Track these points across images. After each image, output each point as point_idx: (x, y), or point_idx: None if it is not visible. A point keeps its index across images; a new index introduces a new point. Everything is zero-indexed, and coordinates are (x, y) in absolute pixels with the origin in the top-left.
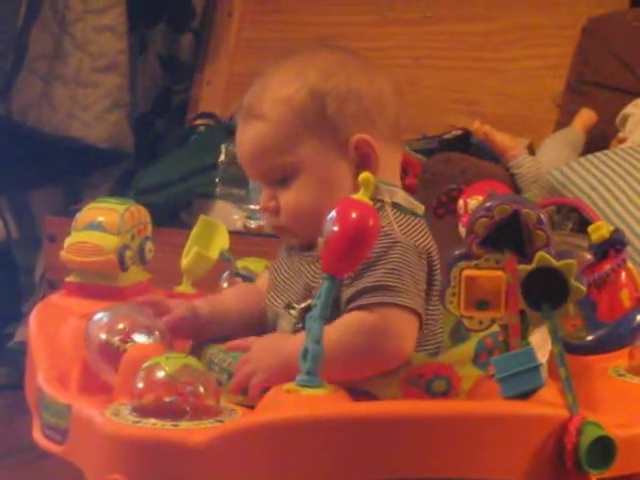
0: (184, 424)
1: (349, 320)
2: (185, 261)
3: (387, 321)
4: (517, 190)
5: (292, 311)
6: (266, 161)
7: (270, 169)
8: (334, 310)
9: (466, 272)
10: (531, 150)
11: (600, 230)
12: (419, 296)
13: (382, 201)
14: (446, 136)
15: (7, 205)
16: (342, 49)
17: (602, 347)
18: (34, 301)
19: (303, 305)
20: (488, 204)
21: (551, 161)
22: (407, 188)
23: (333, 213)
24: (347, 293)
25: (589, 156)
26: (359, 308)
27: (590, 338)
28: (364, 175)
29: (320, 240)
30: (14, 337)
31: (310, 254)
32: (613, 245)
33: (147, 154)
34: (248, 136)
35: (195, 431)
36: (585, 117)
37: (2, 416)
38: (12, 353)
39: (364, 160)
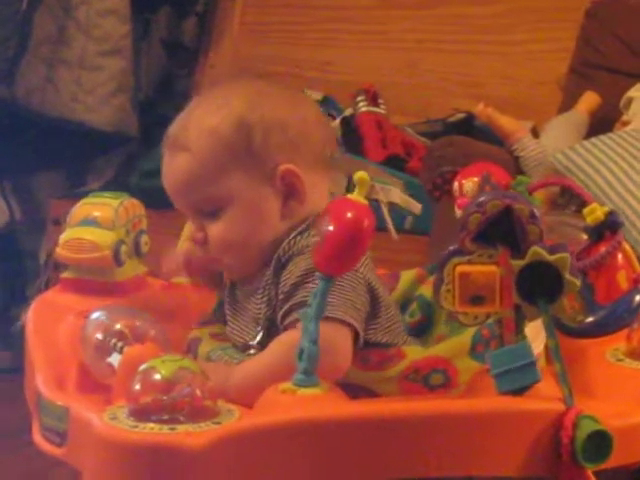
0: (181, 427)
1: (283, 340)
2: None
3: (321, 337)
4: (519, 173)
5: (251, 351)
6: (193, 193)
7: (197, 201)
8: (273, 328)
9: (460, 268)
10: (535, 133)
11: (595, 212)
12: (353, 308)
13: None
14: (450, 119)
15: (11, 189)
16: (264, 79)
17: (601, 329)
18: (39, 284)
19: (257, 340)
20: (480, 199)
21: (555, 144)
22: (411, 171)
23: (327, 213)
24: (283, 309)
25: (593, 139)
26: (293, 324)
27: (589, 320)
28: (359, 174)
29: (315, 241)
30: (19, 320)
31: (247, 288)
32: (609, 227)
33: (151, 138)
34: (174, 168)
35: (192, 434)
36: (589, 100)
37: (6, 399)
38: (16, 337)
39: (291, 190)
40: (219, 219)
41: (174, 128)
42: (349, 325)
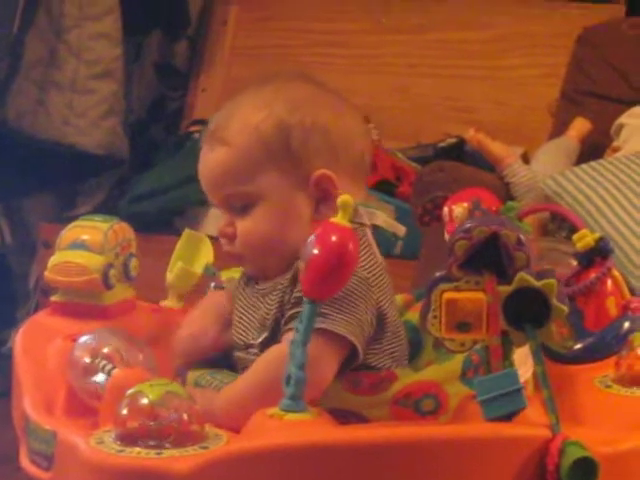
0: (168, 452)
1: (267, 357)
2: (170, 276)
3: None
4: (510, 199)
5: (251, 350)
6: (227, 187)
7: (230, 196)
8: (278, 330)
9: (446, 295)
10: (525, 159)
11: (585, 238)
12: (358, 326)
13: (362, 224)
14: (441, 144)
15: (2, 211)
16: (315, 82)
17: (589, 356)
18: (28, 307)
19: (260, 340)
20: (467, 226)
21: (545, 170)
22: (401, 196)
23: (312, 237)
24: (289, 313)
25: (583, 165)
26: (286, 332)
27: (577, 347)
28: (343, 198)
29: (300, 264)
30: (7, 343)
31: (264, 287)
32: (599, 253)
33: (142, 161)
34: (211, 160)
35: (179, 459)
36: (579, 126)
37: None
38: (5, 359)
39: (324, 195)
40: (249, 216)
41: (215, 121)
42: (348, 342)
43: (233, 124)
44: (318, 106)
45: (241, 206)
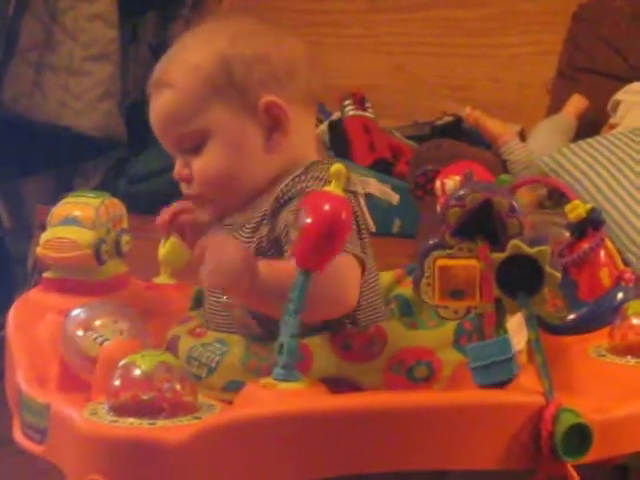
0: (161, 422)
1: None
2: (162, 251)
3: (329, 269)
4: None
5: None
6: (176, 129)
7: (181, 137)
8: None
9: (440, 262)
10: (522, 136)
11: (577, 209)
12: (357, 244)
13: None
14: (438, 122)
15: None
16: (255, 17)
17: (583, 326)
18: (26, 290)
19: None
20: (460, 193)
21: (542, 147)
22: (398, 174)
23: (305, 206)
24: (290, 244)
25: (580, 142)
26: None
27: (571, 317)
28: (336, 167)
29: (293, 232)
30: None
31: (236, 222)
32: (591, 224)
33: (139, 142)
34: (158, 106)
35: (172, 429)
36: (576, 103)
37: None
38: (4, 342)
39: (275, 122)
40: (202, 154)
41: (158, 68)
42: (358, 258)
43: (176, 66)
44: (257, 37)
45: (193, 146)
